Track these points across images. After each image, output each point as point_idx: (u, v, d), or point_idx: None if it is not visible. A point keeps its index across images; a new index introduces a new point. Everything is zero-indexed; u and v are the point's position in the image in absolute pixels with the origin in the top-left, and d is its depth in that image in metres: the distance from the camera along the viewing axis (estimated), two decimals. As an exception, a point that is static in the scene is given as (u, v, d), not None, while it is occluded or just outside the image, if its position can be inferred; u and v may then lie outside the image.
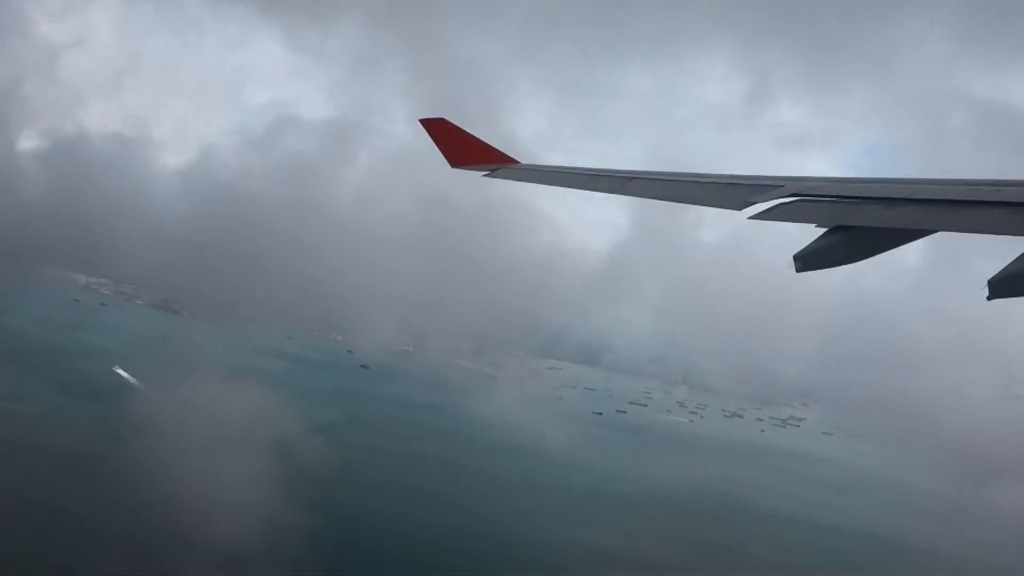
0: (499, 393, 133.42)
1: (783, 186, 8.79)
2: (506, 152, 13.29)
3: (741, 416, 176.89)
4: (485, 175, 12.85)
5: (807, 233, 7.99)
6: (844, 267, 7.81)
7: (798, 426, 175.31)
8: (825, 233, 7.83)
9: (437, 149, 13.26)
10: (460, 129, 13.34)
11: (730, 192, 9.20)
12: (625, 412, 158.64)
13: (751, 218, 8.70)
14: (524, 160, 13.30)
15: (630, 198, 10.79)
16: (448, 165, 13.29)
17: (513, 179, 12.74)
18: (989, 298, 6.49)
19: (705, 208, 9.26)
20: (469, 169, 12.96)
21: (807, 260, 7.68)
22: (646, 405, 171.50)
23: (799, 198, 8.45)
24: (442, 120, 13.43)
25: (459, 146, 13.05)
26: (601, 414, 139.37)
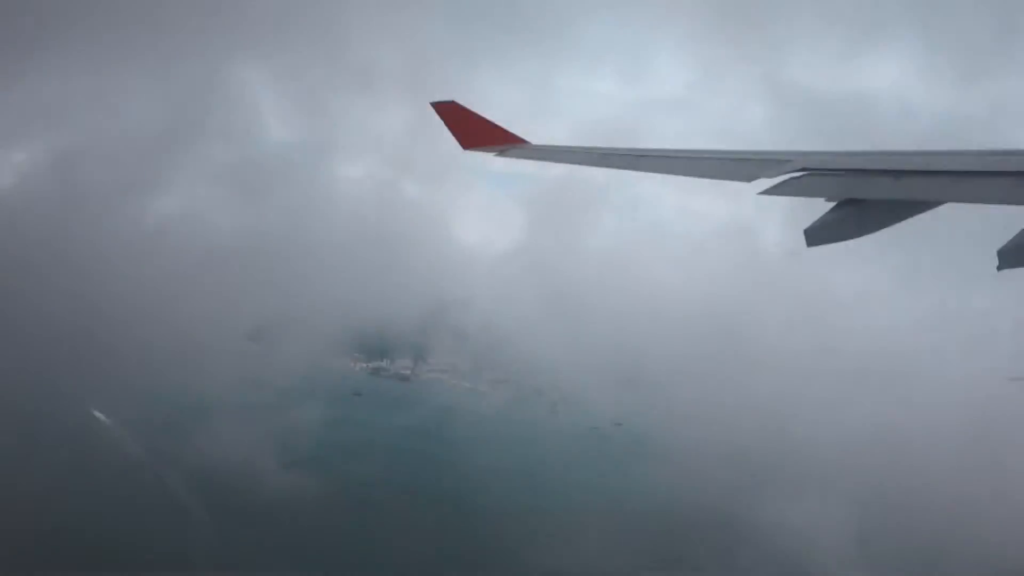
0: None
1: (791, 160, 8.83)
2: (516, 132, 13.38)
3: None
4: (497, 155, 12.97)
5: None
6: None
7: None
8: (834, 207, 7.88)
9: (448, 132, 13.37)
10: (470, 111, 13.42)
11: (739, 167, 9.25)
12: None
13: (761, 193, 8.76)
14: (535, 140, 13.39)
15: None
16: (460, 147, 13.41)
17: (524, 158, 12.84)
18: (999, 268, 6.53)
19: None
20: (480, 151, 13.07)
21: (816, 235, 7.73)
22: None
23: (807, 172, 8.50)
24: (453, 103, 13.52)
25: (470, 128, 13.14)
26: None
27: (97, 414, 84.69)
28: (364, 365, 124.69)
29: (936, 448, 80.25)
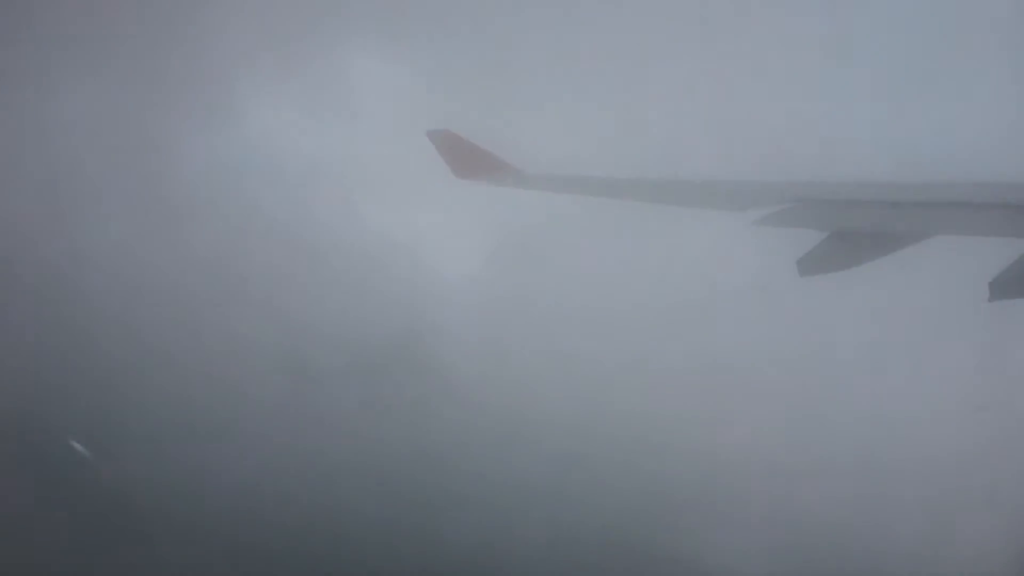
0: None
1: (784, 190, 8.83)
2: (511, 161, 13.38)
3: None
4: (489, 184, 12.96)
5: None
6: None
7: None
8: (827, 238, 7.87)
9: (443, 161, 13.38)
10: (466, 140, 13.44)
11: (731, 197, 9.25)
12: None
13: (754, 224, 8.74)
14: (531, 168, 13.39)
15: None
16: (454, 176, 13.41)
17: (520, 188, 12.84)
18: (990, 300, 6.50)
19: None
20: (475, 181, 13.06)
21: (808, 266, 7.71)
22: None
23: (800, 203, 8.49)
24: (447, 132, 13.55)
25: (464, 157, 13.15)
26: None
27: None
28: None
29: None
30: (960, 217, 7.22)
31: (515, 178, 12.91)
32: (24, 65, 24.69)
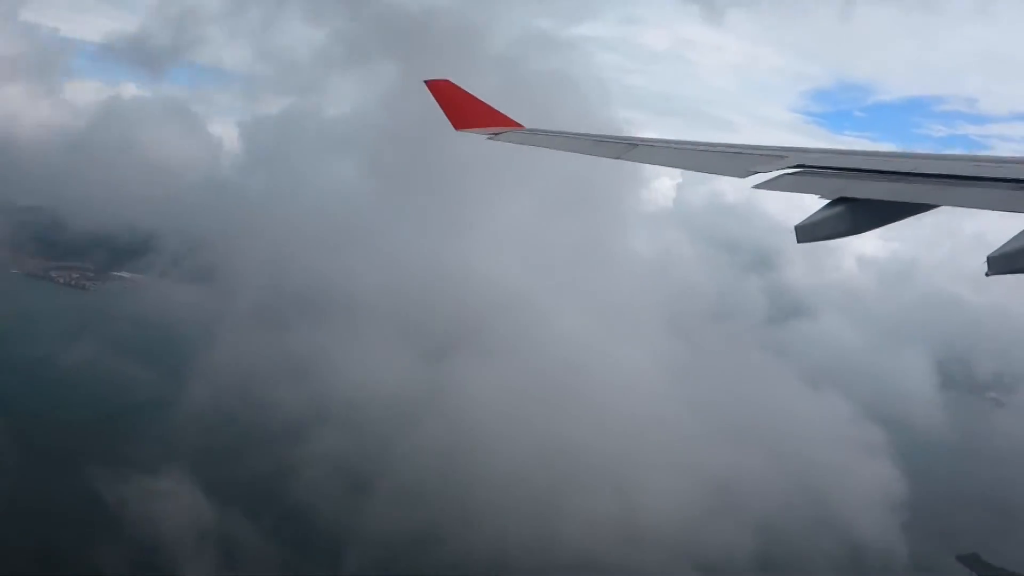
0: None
1: (787, 156, 8.82)
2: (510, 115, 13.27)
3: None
4: (489, 138, 12.86)
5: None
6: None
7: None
8: (827, 205, 7.87)
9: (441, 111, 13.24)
10: (465, 92, 13.31)
11: (735, 161, 9.24)
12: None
13: (755, 187, 8.75)
14: (528, 124, 13.29)
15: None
16: (452, 127, 13.29)
17: (517, 143, 12.75)
18: (988, 274, 6.55)
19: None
20: (473, 132, 12.96)
21: (807, 231, 7.72)
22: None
23: (803, 169, 8.49)
24: (447, 82, 13.40)
25: (463, 109, 13.03)
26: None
27: None
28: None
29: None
30: (962, 190, 7.25)
31: (514, 133, 12.82)
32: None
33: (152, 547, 59.66)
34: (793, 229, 7.88)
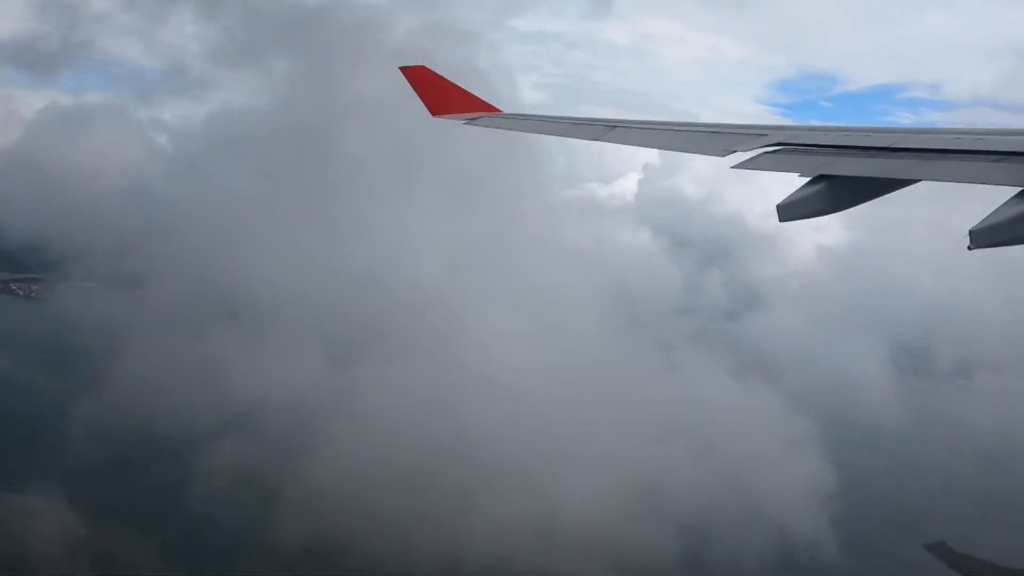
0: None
1: (766, 135, 8.74)
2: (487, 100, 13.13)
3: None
4: (466, 123, 12.72)
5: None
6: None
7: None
8: (808, 182, 7.80)
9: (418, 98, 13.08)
10: (441, 77, 13.15)
11: (713, 140, 9.14)
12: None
13: (734, 167, 8.66)
14: (506, 109, 13.16)
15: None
16: (429, 114, 13.13)
17: (494, 127, 12.62)
18: (970, 247, 6.50)
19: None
20: (450, 118, 12.81)
21: (789, 210, 7.65)
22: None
23: (782, 147, 8.41)
24: (423, 68, 13.22)
25: (440, 94, 12.88)
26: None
27: None
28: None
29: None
30: (943, 163, 7.20)
31: (491, 118, 12.68)
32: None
33: (14, 567, 57.04)
34: (775, 208, 7.82)
